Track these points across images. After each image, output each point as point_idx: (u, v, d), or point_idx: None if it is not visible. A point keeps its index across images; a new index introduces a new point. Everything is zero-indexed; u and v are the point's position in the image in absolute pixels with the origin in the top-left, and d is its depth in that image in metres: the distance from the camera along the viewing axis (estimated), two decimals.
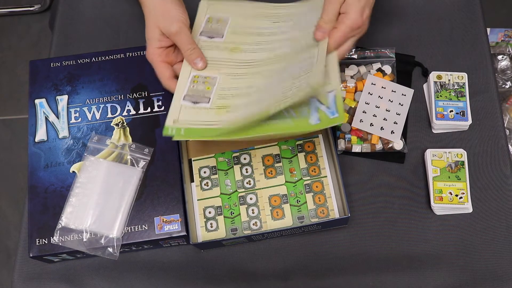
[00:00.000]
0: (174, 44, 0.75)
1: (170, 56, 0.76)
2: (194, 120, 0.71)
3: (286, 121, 0.68)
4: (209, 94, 0.73)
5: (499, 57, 1.42)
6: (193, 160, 0.80)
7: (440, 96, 0.81)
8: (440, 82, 0.82)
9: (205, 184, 0.78)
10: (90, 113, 0.80)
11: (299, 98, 0.66)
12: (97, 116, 0.80)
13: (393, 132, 0.79)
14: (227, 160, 0.79)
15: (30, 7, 1.75)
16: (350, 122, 0.80)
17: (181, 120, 0.71)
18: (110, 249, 0.73)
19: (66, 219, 0.74)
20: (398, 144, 0.79)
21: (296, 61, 0.73)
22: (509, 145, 1.24)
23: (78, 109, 0.81)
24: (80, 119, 0.80)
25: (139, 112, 0.80)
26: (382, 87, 0.82)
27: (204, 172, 0.79)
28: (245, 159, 0.79)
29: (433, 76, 0.83)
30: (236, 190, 0.77)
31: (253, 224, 0.76)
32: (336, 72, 0.69)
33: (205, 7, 0.83)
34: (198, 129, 0.70)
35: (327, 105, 0.67)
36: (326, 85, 0.68)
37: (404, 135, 0.80)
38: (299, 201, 0.76)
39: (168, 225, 0.74)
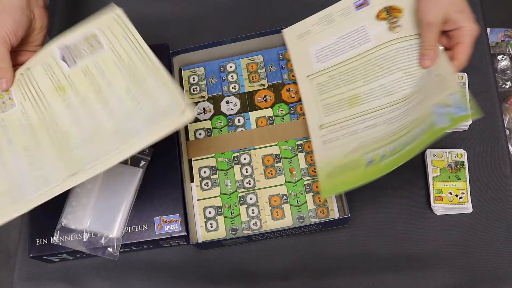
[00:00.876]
0: None
1: None
2: None
3: (417, 140, 0.65)
4: None
5: (499, 57, 1.42)
6: (193, 160, 0.80)
7: None
8: None
9: (205, 184, 0.78)
10: None
11: None
12: None
13: None
14: (227, 160, 0.79)
15: None
16: None
17: None
18: (110, 249, 0.73)
19: (66, 219, 0.74)
20: None
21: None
22: (509, 145, 1.24)
23: None
24: None
25: None
26: None
27: (204, 172, 0.79)
28: (245, 159, 0.79)
29: None
30: (236, 190, 0.77)
31: (253, 224, 0.76)
32: (453, 77, 0.66)
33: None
34: None
35: (453, 106, 0.64)
36: (443, 91, 0.65)
37: None
38: (299, 201, 0.76)
39: (168, 225, 0.74)
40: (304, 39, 0.80)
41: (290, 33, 0.82)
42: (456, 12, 0.67)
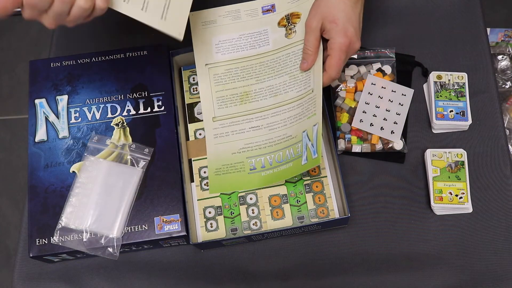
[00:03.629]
0: None
1: None
2: None
3: (288, 165, 0.70)
4: None
5: (499, 57, 1.42)
6: (193, 160, 0.80)
7: (440, 96, 0.81)
8: (440, 82, 0.82)
9: (205, 184, 0.78)
10: (90, 113, 0.80)
11: None
12: (97, 116, 0.80)
13: (393, 132, 0.79)
14: None
15: None
16: (350, 122, 0.80)
17: None
18: (110, 249, 0.73)
19: (66, 219, 0.74)
20: (398, 144, 0.79)
21: None
22: (509, 145, 1.24)
23: (78, 109, 0.81)
24: (80, 119, 0.80)
25: (139, 112, 0.80)
26: (382, 87, 0.82)
27: (204, 172, 0.79)
28: None
29: (433, 76, 0.83)
30: (236, 190, 0.77)
31: (253, 224, 0.76)
32: (320, 101, 0.70)
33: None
34: None
35: (312, 142, 0.69)
36: (313, 116, 0.68)
37: (404, 135, 0.80)
38: (299, 201, 0.76)
39: (168, 225, 0.74)
40: (208, 27, 0.82)
41: (195, 18, 0.83)
42: (329, 22, 0.68)
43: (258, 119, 0.76)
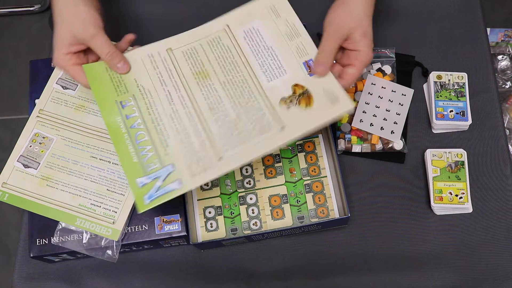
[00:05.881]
0: (85, 49, 0.71)
1: (81, 59, 0.71)
2: (20, 186, 0.73)
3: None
4: (40, 159, 0.74)
5: (499, 57, 1.42)
6: None
7: (440, 96, 0.81)
8: (440, 82, 0.82)
9: (205, 184, 0.78)
10: None
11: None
12: None
13: (393, 132, 0.79)
14: None
15: (30, 7, 1.75)
16: (350, 122, 0.80)
17: (10, 184, 0.73)
18: (109, 252, 0.73)
19: None
20: (398, 144, 0.79)
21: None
22: (509, 145, 1.24)
23: None
24: None
25: None
26: (382, 87, 0.82)
27: None
28: None
29: (433, 76, 0.83)
30: (236, 190, 0.77)
31: (253, 224, 0.76)
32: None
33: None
34: (21, 198, 0.72)
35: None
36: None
37: (404, 135, 0.80)
38: (299, 201, 0.76)
39: (168, 225, 0.74)
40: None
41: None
42: (361, 35, 0.68)
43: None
